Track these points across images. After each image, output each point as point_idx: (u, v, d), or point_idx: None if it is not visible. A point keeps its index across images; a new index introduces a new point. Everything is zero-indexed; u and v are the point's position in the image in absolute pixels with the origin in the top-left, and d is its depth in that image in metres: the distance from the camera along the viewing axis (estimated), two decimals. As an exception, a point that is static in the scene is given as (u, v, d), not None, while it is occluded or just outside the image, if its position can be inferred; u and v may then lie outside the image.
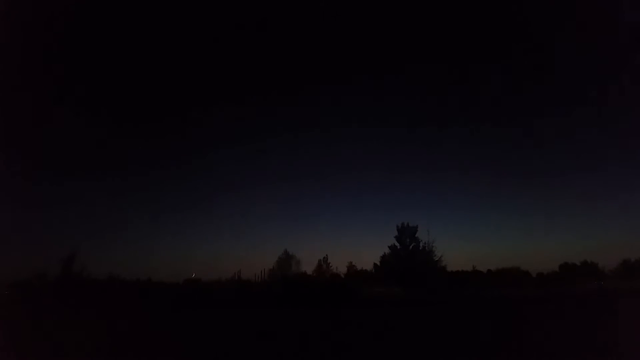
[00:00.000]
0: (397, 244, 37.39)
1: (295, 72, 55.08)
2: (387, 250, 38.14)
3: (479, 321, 14.20)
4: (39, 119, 42.94)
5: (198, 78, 55.95)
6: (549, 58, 49.25)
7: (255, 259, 73.02)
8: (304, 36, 50.41)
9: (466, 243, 59.16)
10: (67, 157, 49.76)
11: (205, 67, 52.51)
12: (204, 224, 60.51)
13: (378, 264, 39.57)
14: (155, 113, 57.93)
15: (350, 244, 64.87)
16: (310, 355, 8.01)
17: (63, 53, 41.34)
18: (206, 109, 55.69)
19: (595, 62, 51.21)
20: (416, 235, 36.80)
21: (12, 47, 28.02)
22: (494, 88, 58.16)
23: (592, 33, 43.18)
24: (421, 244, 36.32)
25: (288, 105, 60.17)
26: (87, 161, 55.71)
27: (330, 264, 38.18)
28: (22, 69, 32.29)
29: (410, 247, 36.82)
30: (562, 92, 54.89)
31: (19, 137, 39.92)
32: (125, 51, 46.26)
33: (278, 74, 54.82)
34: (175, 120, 60.07)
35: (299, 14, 44.49)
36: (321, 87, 57.05)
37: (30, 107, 39.01)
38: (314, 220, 61.14)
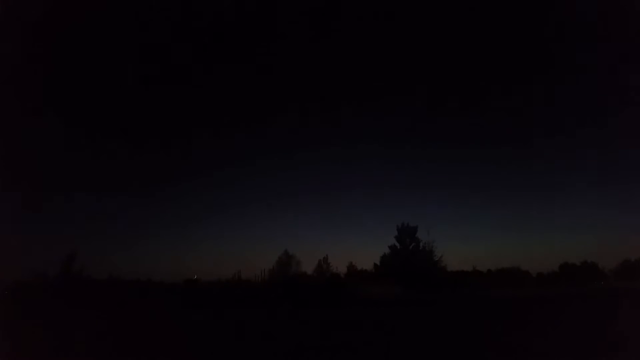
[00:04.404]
0: (397, 244, 37.44)
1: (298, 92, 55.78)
2: (387, 250, 38.22)
3: (479, 321, 14.20)
4: (40, 122, 43.08)
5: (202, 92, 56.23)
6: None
7: (255, 259, 73.04)
8: (312, 59, 51.11)
9: (466, 243, 59.13)
10: (67, 158, 49.82)
11: (208, 84, 53.18)
12: (204, 224, 60.49)
13: (378, 264, 39.63)
14: (160, 117, 58.00)
15: (350, 244, 64.83)
16: (310, 356, 8.01)
17: (75, 61, 41.81)
18: (211, 119, 56.16)
19: (593, 71, 51.49)
20: (416, 235, 36.87)
21: (16, 52, 28.28)
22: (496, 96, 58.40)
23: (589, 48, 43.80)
24: (421, 244, 36.38)
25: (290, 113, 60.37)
26: (87, 163, 55.72)
27: (330, 264, 38.23)
28: (25, 73, 32.48)
29: (410, 247, 36.85)
30: (564, 96, 55.04)
31: (20, 138, 39.96)
32: (131, 67, 46.79)
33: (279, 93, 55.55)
34: (178, 125, 60.14)
35: (303, 38, 45.47)
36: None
37: (33, 111, 39.23)
38: (314, 220, 61.10)
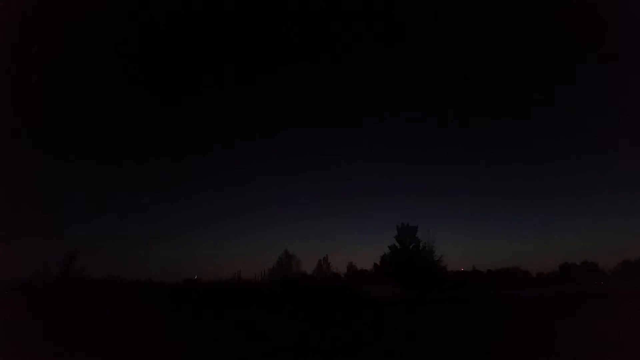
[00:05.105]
0: (397, 244, 37.33)
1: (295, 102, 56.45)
2: (387, 250, 38.14)
3: (479, 321, 14.20)
4: (41, 124, 43.19)
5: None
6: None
7: (255, 259, 73.07)
8: (313, 63, 51.54)
9: (466, 243, 59.16)
10: (68, 159, 49.93)
11: (210, 88, 53.57)
12: (204, 224, 60.57)
13: (378, 264, 39.61)
14: (160, 120, 58.15)
15: (350, 244, 64.93)
16: (310, 356, 8.01)
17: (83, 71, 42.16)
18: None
19: (591, 74, 51.78)
20: (416, 235, 36.77)
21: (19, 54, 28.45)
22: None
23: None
24: (421, 244, 36.28)
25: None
26: (88, 163, 55.79)
27: (330, 264, 38.20)
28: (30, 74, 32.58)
29: (410, 247, 36.78)
30: (564, 98, 55.13)
31: (21, 139, 40.06)
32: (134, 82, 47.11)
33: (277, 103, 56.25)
34: (179, 126, 60.37)
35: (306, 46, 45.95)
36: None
37: (34, 113, 39.36)
38: (314, 220, 61.18)
